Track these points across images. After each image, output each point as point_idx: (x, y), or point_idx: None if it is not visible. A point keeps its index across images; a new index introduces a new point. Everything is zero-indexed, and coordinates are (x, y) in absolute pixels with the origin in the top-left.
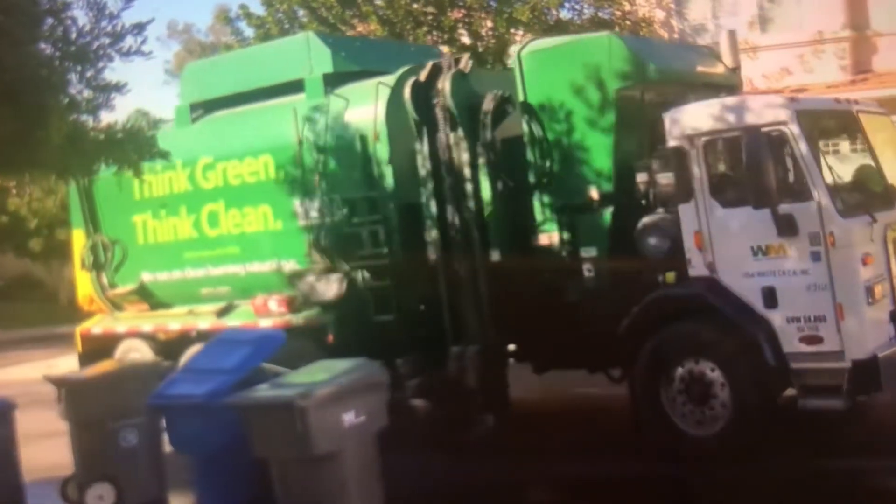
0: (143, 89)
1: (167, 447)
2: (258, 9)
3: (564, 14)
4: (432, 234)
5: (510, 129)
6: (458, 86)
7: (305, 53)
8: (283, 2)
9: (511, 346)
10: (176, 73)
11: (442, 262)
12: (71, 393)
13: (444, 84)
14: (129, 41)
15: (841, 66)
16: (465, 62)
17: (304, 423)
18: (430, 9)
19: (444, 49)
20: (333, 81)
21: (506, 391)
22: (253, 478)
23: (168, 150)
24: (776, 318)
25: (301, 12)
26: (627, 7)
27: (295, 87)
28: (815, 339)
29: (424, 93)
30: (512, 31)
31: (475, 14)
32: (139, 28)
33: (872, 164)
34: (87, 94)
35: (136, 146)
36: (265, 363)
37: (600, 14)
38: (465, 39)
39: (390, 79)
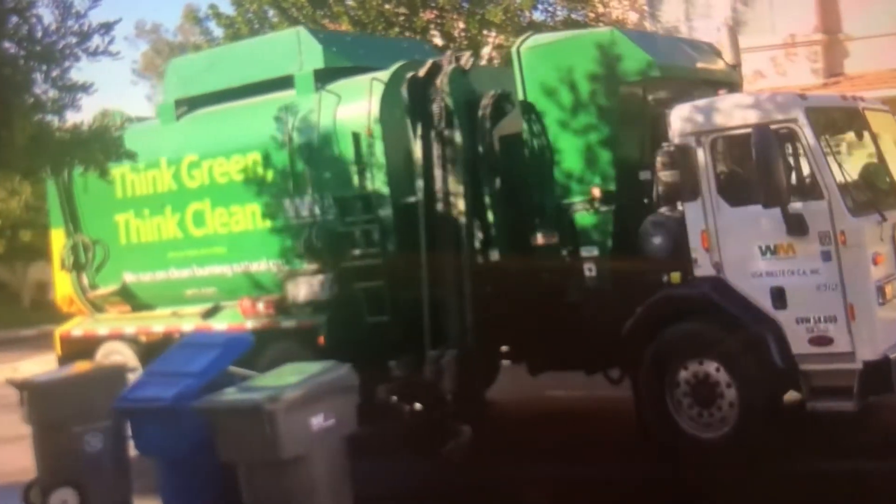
0: (110, 89)
1: (133, 451)
2: (228, 9)
3: (537, 16)
4: (424, 233)
5: (509, 127)
6: (458, 83)
7: (295, 49)
8: (252, 2)
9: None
10: (144, 74)
11: (427, 263)
12: (34, 396)
13: (444, 81)
14: (97, 40)
15: (813, 69)
16: (467, 59)
17: (273, 427)
18: (401, 9)
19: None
20: (324, 77)
21: (481, 399)
22: (220, 482)
23: (135, 150)
24: (785, 318)
25: (271, 12)
26: (601, 9)
27: (284, 83)
28: (825, 340)
29: (422, 89)
30: (485, 32)
31: (447, 15)
32: (106, 27)
33: (878, 161)
34: (52, 93)
35: (102, 146)
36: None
37: (573, 16)
38: (438, 41)
39: (384, 74)
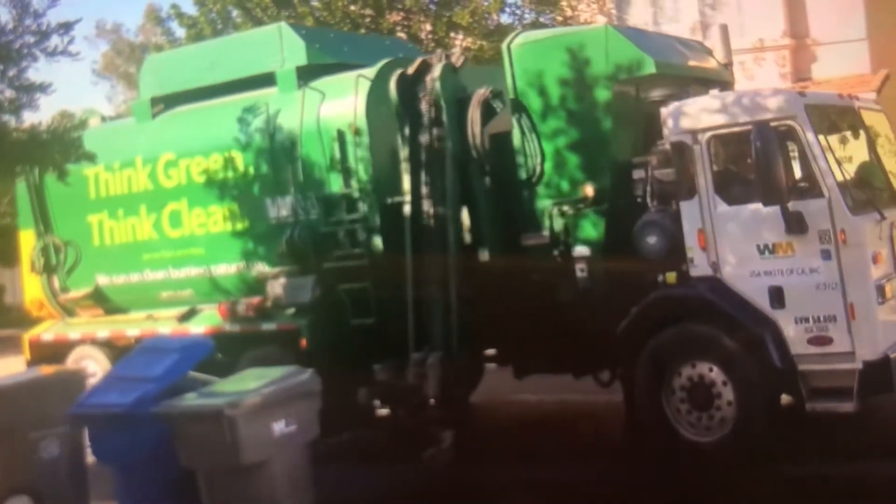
0: (69, 89)
1: (90, 458)
2: (190, 9)
3: (505, 18)
4: (409, 232)
5: (499, 125)
6: (448, 80)
7: (277, 45)
8: (216, 2)
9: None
10: (104, 74)
11: (412, 263)
12: None
13: (434, 78)
14: (55, 40)
15: (781, 73)
16: (457, 57)
17: (233, 433)
18: (368, 11)
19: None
20: (307, 74)
21: (466, 403)
22: (179, 488)
23: (109, 149)
24: (784, 318)
25: (235, 13)
26: (569, 12)
27: (265, 80)
28: (824, 340)
29: (410, 86)
30: (452, 35)
31: (414, 17)
32: (65, 27)
33: (874, 160)
34: (9, 93)
35: (60, 147)
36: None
37: (542, 19)
38: None
39: (370, 71)
